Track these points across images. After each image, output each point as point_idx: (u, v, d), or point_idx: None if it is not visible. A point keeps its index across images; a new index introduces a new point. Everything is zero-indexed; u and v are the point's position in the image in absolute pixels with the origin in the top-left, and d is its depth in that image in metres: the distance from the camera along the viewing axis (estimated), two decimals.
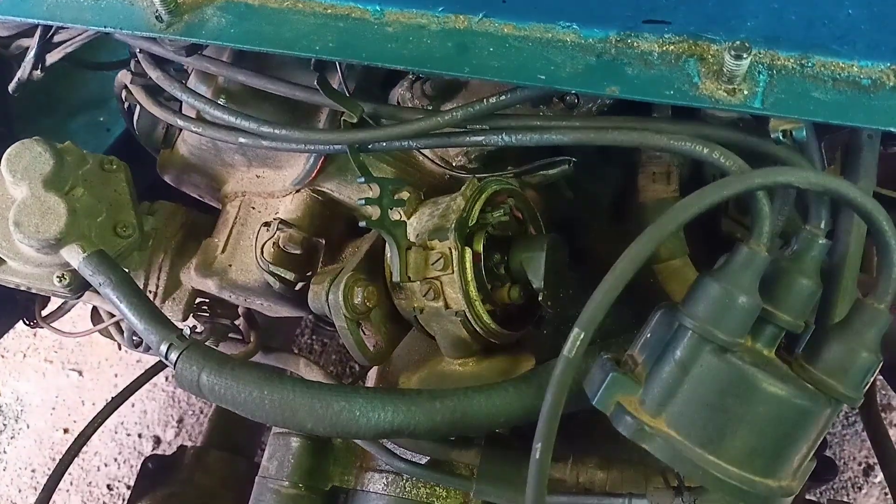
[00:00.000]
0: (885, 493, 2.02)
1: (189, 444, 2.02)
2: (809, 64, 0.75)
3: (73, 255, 0.98)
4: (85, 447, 1.46)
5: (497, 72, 0.79)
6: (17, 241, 1.00)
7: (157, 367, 1.52)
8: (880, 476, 2.02)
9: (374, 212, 0.97)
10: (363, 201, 0.96)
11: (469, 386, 0.88)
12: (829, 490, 2.04)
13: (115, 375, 2.36)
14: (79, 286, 1.04)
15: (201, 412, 2.27)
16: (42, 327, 1.42)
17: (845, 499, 2.05)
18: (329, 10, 0.85)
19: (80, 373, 2.39)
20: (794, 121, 0.77)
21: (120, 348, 2.32)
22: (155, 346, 0.91)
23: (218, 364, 0.89)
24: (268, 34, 0.85)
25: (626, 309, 0.77)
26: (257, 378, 0.88)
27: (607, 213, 1.23)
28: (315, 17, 0.85)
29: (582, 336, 0.69)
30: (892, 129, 0.73)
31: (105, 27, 0.89)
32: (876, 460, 1.88)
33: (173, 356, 0.89)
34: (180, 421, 2.28)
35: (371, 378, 1.20)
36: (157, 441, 2.26)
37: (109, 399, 1.45)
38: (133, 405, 2.28)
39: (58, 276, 1.03)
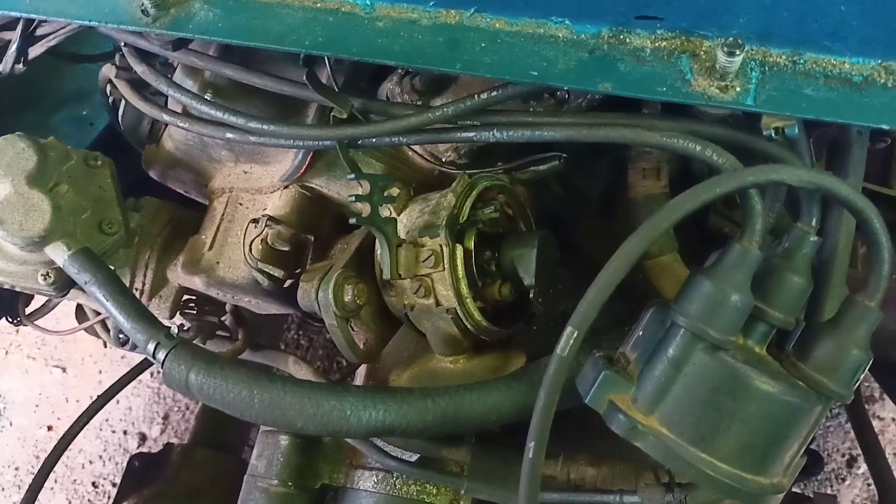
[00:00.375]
0: (869, 485, 2.04)
1: (175, 440, 2.01)
2: (801, 61, 0.75)
3: (58, 253, 0.96)
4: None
5: (489, 68, 0.79)
6: (1, 239, 0.98)
7: (144, 365, 1.50)
8: (864, 468, 2.03)
9: (363, 208, 0.96)
10: (353, 198, 0.95)
11: (460, 384, 0.88)
12: (812, 482, 2.05)
13: (100, 372, 2.34)
14: (64, 284, 1.03)
15: (187, 409, 2.25)
16: (26, 325, 1.40)
17: (829, 490, 2.06)
18: (319, 4, 0.84)
19: (64, 369, 2.36)
20: (787, 118, 0.77)
21: (105, 345, 2.30)
22: (142, 345, 0.90)
23: (206, 363, 0.88)
24: (256, 29, 0.84)
25: (617, 304, 0.77)
26: (246, 377, 0.87)
27: (596, 209, 1.23)
28: (304, 12, 0.84)
29: (575, 335, 0.69)
30: (884, 127, 0.73)
31: (90, 21, 0.87)
32: (859, 452, 1.90)
33: (161, 355, 0.88)
34: (166, 418, 2.26)
35: (360, 375, 1.19)
36: (143, 438, 2.25)
37: (93, 396, 1.44)
38: (118, 402, 2.25)
39: (42, 275, 1.01)
